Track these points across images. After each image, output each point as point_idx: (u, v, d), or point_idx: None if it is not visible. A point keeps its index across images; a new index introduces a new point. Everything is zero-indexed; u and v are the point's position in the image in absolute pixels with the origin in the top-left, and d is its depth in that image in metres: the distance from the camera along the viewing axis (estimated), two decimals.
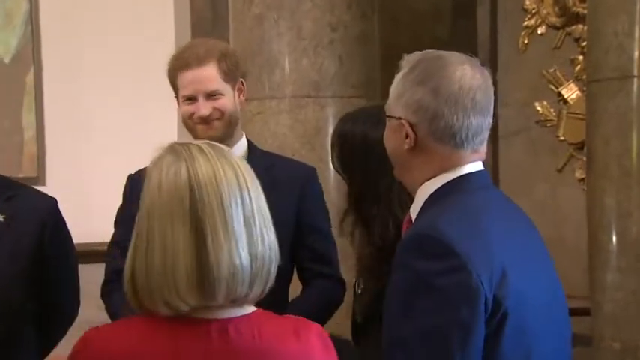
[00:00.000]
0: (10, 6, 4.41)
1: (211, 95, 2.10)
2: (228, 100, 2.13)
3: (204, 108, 2.09)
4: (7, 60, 4.45)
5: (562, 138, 3.94)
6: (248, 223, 1.25)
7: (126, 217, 2.19)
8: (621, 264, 2.68)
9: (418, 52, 1.52)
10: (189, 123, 2.11)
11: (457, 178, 1.47)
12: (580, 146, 3.81)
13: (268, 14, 3.25)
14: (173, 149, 1.28)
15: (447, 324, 1.34)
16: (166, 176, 1.25)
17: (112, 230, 2.34)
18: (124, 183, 2.25)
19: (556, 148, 3.93)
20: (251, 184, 1.28)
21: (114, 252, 2.18)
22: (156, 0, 4.29)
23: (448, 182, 1.47)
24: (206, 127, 2.12)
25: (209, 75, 2.10)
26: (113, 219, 2.30)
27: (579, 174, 3.83)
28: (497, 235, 1.43)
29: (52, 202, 2.24)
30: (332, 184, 3.14)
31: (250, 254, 1.25)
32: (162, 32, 4.01)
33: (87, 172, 4.12)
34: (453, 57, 1.48)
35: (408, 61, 1.51)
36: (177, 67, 2.10)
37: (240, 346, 1.25)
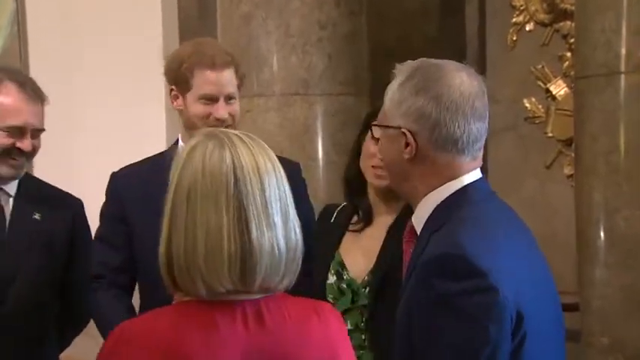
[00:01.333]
0: None
1: (229, 99, 2.12)
2: (239, 106, 2.16)
3: (223, 110, 2.10)
4: None
5: (550, 134, 3.95)
6: (284, 214, 1.29)
7: (110, 215, 2.20)
8: (609, 260, 2.69)
9: (411, 61, 1.52)
10: (199, 123, 2.10)
11: (462, 188, 1.47)
12: (568, 142, 3.82)
13: (256, 12, 3.24)
14: (213, 135, 1.30)
15: (477, 344, 1.33)
16: (210, 161, 1.26)
17: None
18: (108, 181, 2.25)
19: (545, 145, 3.94)
20: (284, 175, 1.31)
21: (99, 247, 2.19)
22: None
23: (454, 193, 1.47)
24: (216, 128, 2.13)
25: (231, 79, 2.13)
26: (100, 214, 2.29)
27: (568, 170, 3.85)
28: (511, 249, 1.43)
29: (80, 204, 2.32)
30: (321, 181, 3.14)
31: (287, 245, 1.28)
32: (149, 31, 3.99)
33: (75, 171, 4.10)
34: (450, 65, 1.49)
35: (402, 70, 1.51)
36: (197, 64, 2.09)
37: (273, 326, 1.28)
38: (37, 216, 2.21)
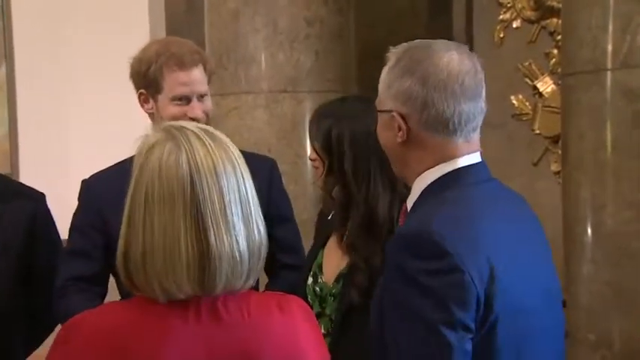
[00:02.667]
0: None
1: (201, 97, 2.09)
2: (210, 103, 2.13)
3: (198, 109, 2.07)
4: None
5: (538, 131, 3.96)
6: (246, 216, 1.26)
7: (81, 224, 2.12)
8: (596, 256, 2.70)
9: (404, 44, 1.50)
10: None
11: (454, 170, 1.46)
12: (555, 139, 3.83)
13: (244, 9, 3.23)
14: (170, 134, 1.26)
15: (441, 323, 1.33)
16: (166, 163, 1.23)
17: None
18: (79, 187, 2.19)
19: (532, 142, 3.95)
20: (247, 174, 1.28)
21: (68, 259, 2.12)
22: None
23: (445, 174, 1.46)
24: (176, 122, 2.10)
25: (201, 76, 2.09)
26: (70, 225, 2.19)
27: (555, 167, 3.86)
28: (491, 234, 1.41)
29: (41, 198, 2.22)
30: (309, 178, 3.13)
31: (249, 248, 1.25)
32: (136, 27, 3.97)
33: (60, 168, 4.08)
34: (440, 44, 1.48)
35: (394, 53, 1.49)
36: (166, 65, 2.05)
37: (230, 323, 1.26)
38: None
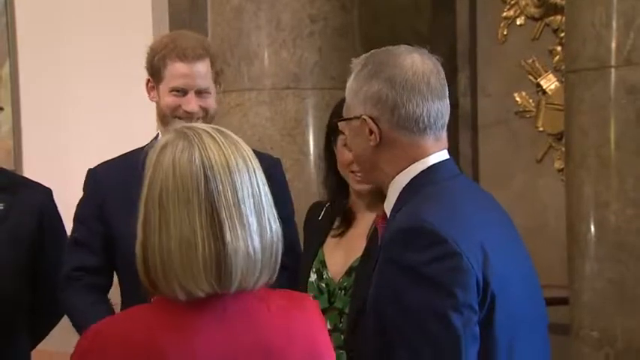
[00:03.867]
0: None
1: (200, 92, 2.09)
2: (213, 100, 2.12)
3: (193, 103, 2.07)
4: None
5: (541, 129, 3.95)
6: (258, 212, 1.26)
7: (84, 214, 2.14)
8: (600, 253, 2.70)
9: (364, 55, 1.54)
10: (168, 115, 2.08)
11: (427, 169, 1.49)
12: (559, 137, 3.83)
13: (247, 6, 3.23)
14: (182, 134, 1.28)
15: (446, 309, 1.35)
16: (179, 161, 1.24)
17: None
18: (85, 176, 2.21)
19: (535, 139, 3.95)
20: (259, 171, 1.29)
21: (73, 249, 2.14)
22: None
23: (419, 174, 1.49)
24: (187, 123, 2.10)
25: (203, 72, 2.08)
26: (74, 214, 2.22)
27: (558, 164, 3.86)
28: (476, 221, 1.45)
29: (48, 192, 2.26)
30: (312, 175, 3.14)
31: (262, 243, 1.26)
32: (139, 24, 3.97)
33: (64, 165, 4.08)
34: (401, 48, 1.52)
35: (357, 62, 1.54)
36: (169, 56, 2.06)
37: (256, 321, 1.27)
38: (0, 206, 2.15)
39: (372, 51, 1.54)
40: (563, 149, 3.26)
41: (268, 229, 1.27)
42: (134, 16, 4.05)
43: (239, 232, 1.24)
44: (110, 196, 2.08)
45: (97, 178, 2.16)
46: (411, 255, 1.37)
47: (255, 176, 1.28)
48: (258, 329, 1.27)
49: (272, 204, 1.30)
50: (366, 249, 2.01)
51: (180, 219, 1.22)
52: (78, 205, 2.18)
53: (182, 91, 2.07)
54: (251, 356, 1.25)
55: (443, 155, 1.52)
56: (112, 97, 4.07)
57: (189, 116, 2.04)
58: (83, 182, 2.19)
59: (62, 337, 2.35)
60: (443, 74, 1.54)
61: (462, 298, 1.35)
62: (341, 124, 1.61)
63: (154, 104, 2.19)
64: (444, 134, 1.53)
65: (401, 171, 1.49)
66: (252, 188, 1.26)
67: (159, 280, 1.25)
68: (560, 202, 3.00)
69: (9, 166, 4.03)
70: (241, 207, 1.24)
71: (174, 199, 1.23)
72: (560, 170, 3.78)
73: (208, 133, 1.28)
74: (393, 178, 1.50)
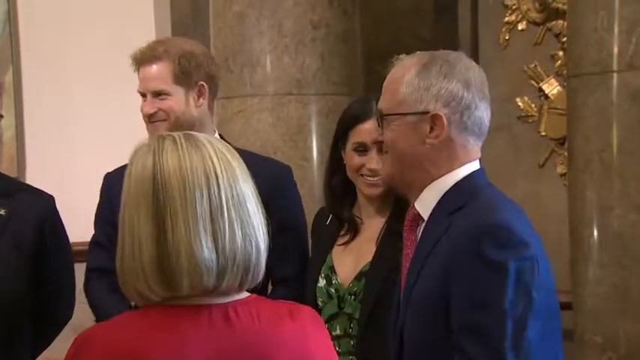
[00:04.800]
0: None
1: (157, 95, 2.09)
2: (176, 102, 2.10)
3: (148, 106, 2.10)
4: None
5: (543, 133, 3.95)
6: (215, 214, 1.24)
7: (100, 217, 2.20)
8: (603, 258, 2.70)
9: (418, 52, 1.52)
10: (145, 120, 2.14)
11: (471, 173, 1.49)
12: (561, 141, 3.83)
13: (249, 12, 3.24)
14: (149, 142, 1.29)
15: (526, 311, 1.37)
16: (135, 168, 1.27)
17: (92, 229, 2.33)
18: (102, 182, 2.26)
19: (537, 144, 3.95)
20: (223, 173, 1.26)
21: (93, 251, 2.21)
22: None
23: (465, 177, 1.48)
24: (152, 127, 2.11)
25: (158, 74, 2.09)
26: (94, 218, 2.31)
27: (561, 169, 3.86)
28: (530, 228, 1.48)
29: (51, 200, 2.26)
30: (315, 181, 3.14)
31: (216, 246, 1.23)
32: (142, 31, 3.97)
33: (67, 172, 4.08)
34: (463, 55, 1.54)
35: (411, 59, 1.50)
36: (135, 63, 2.14)
37: (241, 328, 1.26)
38: (2, 212, 2.12)
39: (430, 52, 1.51)
40: (566, 154, 3.27)
41: (227, 231, 1.24)
42: (137, 25, 4.05)
43: (183, 233, 1.22)
44: (119, 200, 2.11)
45: (109, 184, 2.20)
46: (498, 251, 1.38)
47: (216, 177, 1.25)
48: (245, 338, 1.25)
49: (247, 205, 1.26)
50: (377, 253, 2.01)
51: (132, 223, 1.24)
52: (96, 209, 2.25)
53: (143, 95, 2.11)
54: None
55: (478, 163, 1.52)
56: (115, 104, 4.06)
57: (149, 119, 2.08)
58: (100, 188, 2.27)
59: (65, 345, 2.35)
60: None
61: (537, 301, 1.39)
62: (388, 117, 1.52)
63: None
64: None
65: (446, 173, 1.47)
66: (207, 190, 1.24)
67: (123, 287, 1.26)
68: (563, 206, 3.00)
69: (12, 172, 4.03)
70: (189, 209, 1.22)
71: (129, 205, 1.26)
72: (563, 175, 3.78)
73: (173, 137, 1.27)
74: (435, 179, 1.48)
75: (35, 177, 3.81)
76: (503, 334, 1.36)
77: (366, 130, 2.01)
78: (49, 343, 2.34)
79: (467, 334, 1.38)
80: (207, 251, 1.23)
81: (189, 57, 2.11)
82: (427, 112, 1.46)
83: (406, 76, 1.48)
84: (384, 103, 1.53)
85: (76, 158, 4.21)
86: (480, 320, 1.38)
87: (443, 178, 1.48)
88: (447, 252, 1.42)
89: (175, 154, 1.25)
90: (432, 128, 1.45)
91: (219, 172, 1.25)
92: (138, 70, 2.13)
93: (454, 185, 1.47)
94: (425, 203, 1.50)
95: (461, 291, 1.40)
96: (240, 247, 1.25)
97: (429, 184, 1.49)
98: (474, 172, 1.49)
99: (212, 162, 1.26)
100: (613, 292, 2.67)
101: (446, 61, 1.48)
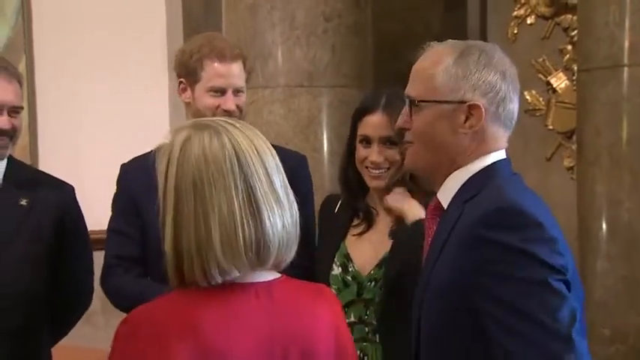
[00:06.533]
0: None
1: (237, 92, 2.15)
2: (245, 98, 2.18)
3: (231, 102, 2.13)
4: None
5: (551, 127, 3.97)
6: (285, 191, 1.31)
7: (119, 207, 2.21)
8: (611, 251, 2.72)
9: (450, 40, 1.50)
10: (207, 114, 2.12)
11: (495, 162, 1.47)
12: (569, 135, 3.84)
13: (261, 4, 3.25)
14: (203, 125, 1.31)
15: (545, 291, 1.33)
16: (210, 148, 1.28)
17: (105, 219, 2.34)
18: (118, 172, 2.26)
19: (545, 137, 3.96)
20: (275, 153, 1.33)
21: (113, 239, 2.20)
22: None
23: (488, 166, 1.46)
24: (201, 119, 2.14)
25: (240, 72, 2.17)
26: (106, 208, 2.29)
27: (568, 162, 3.87)
28: (548, 214, 1.44)
29: (71, 191, 2.28)
30: (326, 172, 3.16)
31: (292, 218, 1.31)
32: (153, 22, 3.99)
33: (79, 162, 4.11)
34: (495, 45, 1.52)
35: (445, 48, 1.48)
36: (207, 56, 2.13)
37: (283, 305, 1.31)
38: (23, 202, 2.14)
39: (465, 42, 1.48)
40: (573, 147, 3.28)
41: (294, 207, 1.32)
42: (149, 17, 4.06)
43: (275, 209, 1.28)
44: (139, 191, 2.13)
45: (125, 175, 2.22)
46: (510, 234, 1.34)
47: (275, 158, 1.32)
48: (289, 314, 1.31)
49: (288, 190, 1.33)
50: (394, 243, 2.03)
51: (219, 203, 1.25)
52: (113, 199, 2.23)
53: (220, 91, 2.13)
54: (286, 337, 1.29)
55: (504, 152, 1.51)
56: (126, 96, 4.08)
57: (227, 115, 2.09)
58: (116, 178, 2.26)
59: (84, 332, 2.37)
60: None
61: (558, 281, 1.34)
62: (421, 104, 1.47)
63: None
64: None
65: (470, 162, 1.46)
66: (277, 169, 1.31)
67: (191, 270, 1.27)
68: (570, 200, 3.01)
69: (25, 161, 4.04)
70: (274, 186, 1.29)
71: (209, 185, 1.26)
72: (570, 168, 3.80)
73: (229, 122, 1.32)
74: (459, 168, 1.47)
75: (48, 166, 3.83)
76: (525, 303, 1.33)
77: (372, 122, 2.03)
78: (68, 331, 2.37)
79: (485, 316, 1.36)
80: (289, 226, 1.30)
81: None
82: (464, 102, 1.44)
83: (443, 63, 1.45)
84: (414, 90, 1.49)
85: (88, 147, 4.23)
86: (496, 303, 1.35)
87: (467, 167, 1.46)
88: (458, 240, 1.42)
89: (244, 135, 1.30)
90: (467, 118, 1.44)
91: (275, 154, 1.33)
92: (201, 65, 2.12)
93: (474, 175, 1.46)
94: (447, 193, 1.49)
95: (471, 280, 1.37)
96: (281, 227, 1.30)
97: (453, 172, 1.48)
98: (498, 161, 1.48)
99: (267, 142, 1.33)
100: (621, 285, 2.69)
101: (483, 51, 1.46)
